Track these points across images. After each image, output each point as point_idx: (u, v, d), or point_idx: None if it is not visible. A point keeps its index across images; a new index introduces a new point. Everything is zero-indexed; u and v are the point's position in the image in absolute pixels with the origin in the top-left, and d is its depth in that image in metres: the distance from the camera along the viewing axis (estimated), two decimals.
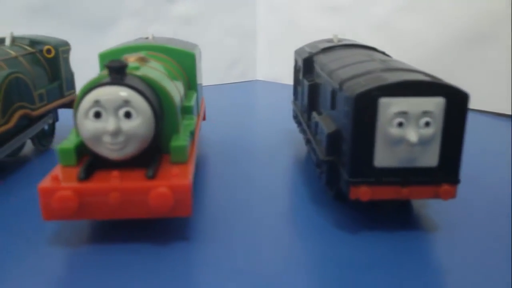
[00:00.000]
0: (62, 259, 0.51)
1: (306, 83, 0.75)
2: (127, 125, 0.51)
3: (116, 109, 0.51)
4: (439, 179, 0.53)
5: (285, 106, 1.27)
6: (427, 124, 0.51)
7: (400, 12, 1.31)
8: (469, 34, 1.16)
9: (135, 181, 0.51)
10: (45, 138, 0.86)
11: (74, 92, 0.94)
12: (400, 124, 0.50)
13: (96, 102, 0.51)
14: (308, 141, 0.71)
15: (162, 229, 0.56)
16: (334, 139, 0.58)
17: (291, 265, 0.50)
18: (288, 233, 0.57)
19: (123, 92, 0.51)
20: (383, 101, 0.50)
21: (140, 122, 0.52)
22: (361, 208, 0.61)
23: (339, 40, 0.83)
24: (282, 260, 0.51)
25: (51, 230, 0.56)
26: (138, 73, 0.57)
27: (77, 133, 0.58)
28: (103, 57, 0.74)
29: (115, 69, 0.53)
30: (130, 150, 0.52)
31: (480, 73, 1.14)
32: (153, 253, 0.52)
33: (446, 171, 0.53)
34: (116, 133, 0.51)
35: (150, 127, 0.53)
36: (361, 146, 0.52)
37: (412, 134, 0.50)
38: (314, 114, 0.68)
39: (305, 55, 0.79)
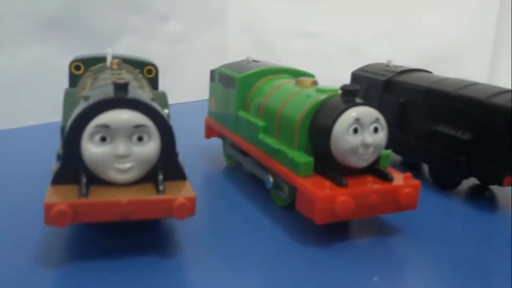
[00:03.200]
0: None
1: (392, 100, 0.92)
2: (376, 138, 0.62)
3: (370, 125, 0.61)
4: None
5: None
6: None
7: None
8: None
9: (387, 184, 0.62)
10: None
11: None
12: None
13: (357, 120, 0.60)
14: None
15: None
16: None
17: None
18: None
19: (375, 112, 0.62)
20: None
21: (383, 135, 0.63)
22: None
23: (395, 66, 1.02)
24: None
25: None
26: None
27: (302, 146, 0.65)
28: (242, 79, 0.80)
29: (351, 92, 0.63)
30: (372, 159, 0.63)
31: None
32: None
33: None
34: (370, 145, 0.61)
35: (386, 140, 0.64)
36: None
37: None
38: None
39: (382, 77, 0.96)
